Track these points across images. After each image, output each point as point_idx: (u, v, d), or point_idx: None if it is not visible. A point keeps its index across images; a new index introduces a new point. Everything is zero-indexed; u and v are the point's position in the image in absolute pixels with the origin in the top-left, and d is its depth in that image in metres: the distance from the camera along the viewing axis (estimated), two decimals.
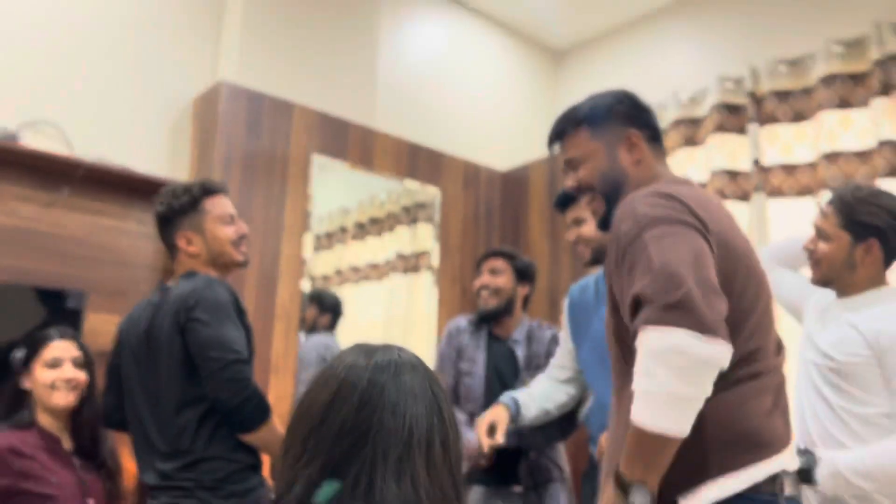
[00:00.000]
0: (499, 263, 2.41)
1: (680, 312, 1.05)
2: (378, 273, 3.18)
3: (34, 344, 1.94)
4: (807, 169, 3.10)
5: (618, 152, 1.40)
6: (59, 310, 2.34)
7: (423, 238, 3.33)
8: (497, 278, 2.39)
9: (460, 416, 2.33)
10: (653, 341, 1.06)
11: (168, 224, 1.83)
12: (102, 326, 2.47)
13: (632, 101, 1.45)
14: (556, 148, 1.50)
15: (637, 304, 1.11)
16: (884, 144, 2.80)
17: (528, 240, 3.37)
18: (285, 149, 2.83)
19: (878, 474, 1.60)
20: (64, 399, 1.91)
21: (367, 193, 3.16)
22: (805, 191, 3.09)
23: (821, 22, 3.17)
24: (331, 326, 2.97)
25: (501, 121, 3.96)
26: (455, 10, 3.81)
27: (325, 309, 2.98)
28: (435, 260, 3.26)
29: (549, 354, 2.38)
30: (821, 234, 1.80)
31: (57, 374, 1.92)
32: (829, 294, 1.90)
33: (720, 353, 1.06)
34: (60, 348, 1.94)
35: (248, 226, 2.69)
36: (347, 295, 3.06)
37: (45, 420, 1.93)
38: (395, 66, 3.49)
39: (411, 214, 3.30)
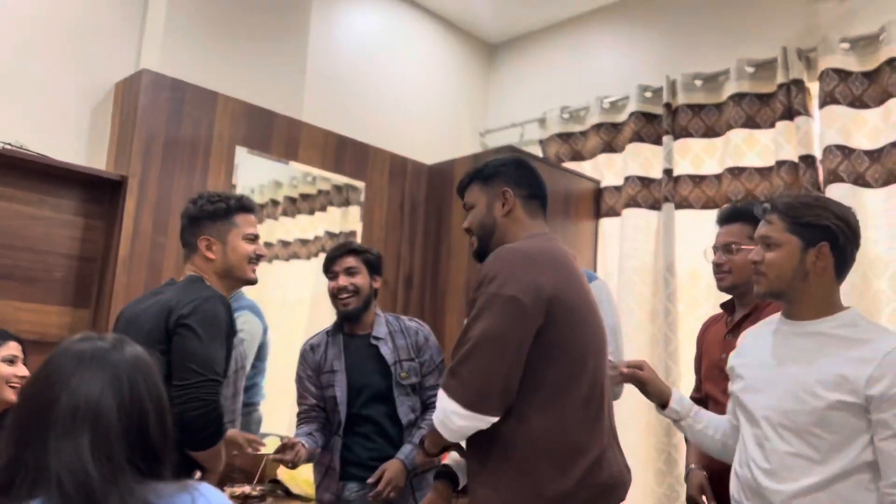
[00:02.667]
0: (352, 261, 2.29)
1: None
2: (307, 251, 3.21)
3: None
4: (713, 181, 3.28)
5: (493, 204, 1.77)
6: None
7: (354, 219, 3.37)
8: (354, 278, 2.27)
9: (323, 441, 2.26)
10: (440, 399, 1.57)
11: (194, 224, 1.89)
12: (11, 314, 2.46)
13: (518, 165, 1.81)
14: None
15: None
16: (782, 164, 2.98)
17: (451, 233, 3.46)
18: (208, 138, 2.83)
19: None
20: (12, 395, 1.98)
21: (299, 173, 3.18)
22: (710, 203, 3.26)
23: (735, 42, 3.32)
24: None
25: (432, 113, 4.02)
26: (388, 0, 3.83)
27: None
28: None
29: (417, 345, 2.33)
30: (766, 241, 1.65)
31: (14, 370, 2.00)
32: (755, 335, 1.75)
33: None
34: (15, 347, 2.04)
35: (169, 215, 2.69)
36: (276, 271, 3.06)
37: None
38: (326, 57, 3.50)
39: (344, 195, 3.33)
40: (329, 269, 2.32)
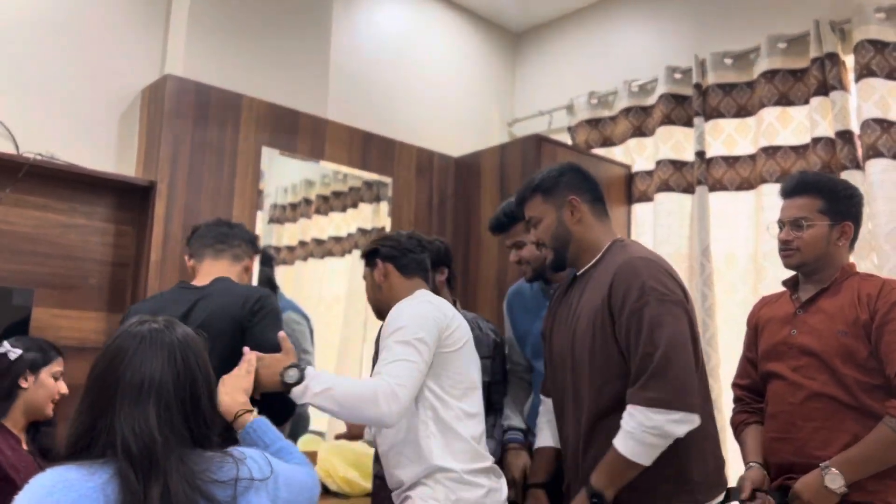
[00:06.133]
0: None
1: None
2: (341, 248, 3.22)
3: (46, 353, 2.09)
4: (747, 162, 3.19)
5: (563, 214, 1.82)
6: (5, 307, 2.37)
7: (384, 215, 3.37)
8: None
9: None
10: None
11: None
12: (50, 321, 2.51)
13: (575, 171, 1.86)
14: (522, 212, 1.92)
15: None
16: (818, 141, 2.89)
17: (479, 226, 3.43)
18: (234, 141, 2.85)
19: None
20: (51, 411, 2.08)
21: (329, 171, 3.19)
22: (745, 184, 3.18)
23: (765, 18, 3.23)
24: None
25: (458, 105, 3.99)
26: None
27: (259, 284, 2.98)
28: None
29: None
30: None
31: (58, 386, 2.09)
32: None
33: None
34: (60, 364, 2.12)
35: (199, 219, 2.72)
36: (312, 269, 3.08)
37: (15, 420, 2.01)
38: (349, 54, 3.49)
39: (374, 191, 3.33)
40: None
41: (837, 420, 1.78)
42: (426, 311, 1.82)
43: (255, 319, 1.80)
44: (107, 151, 2.78)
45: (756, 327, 2.07)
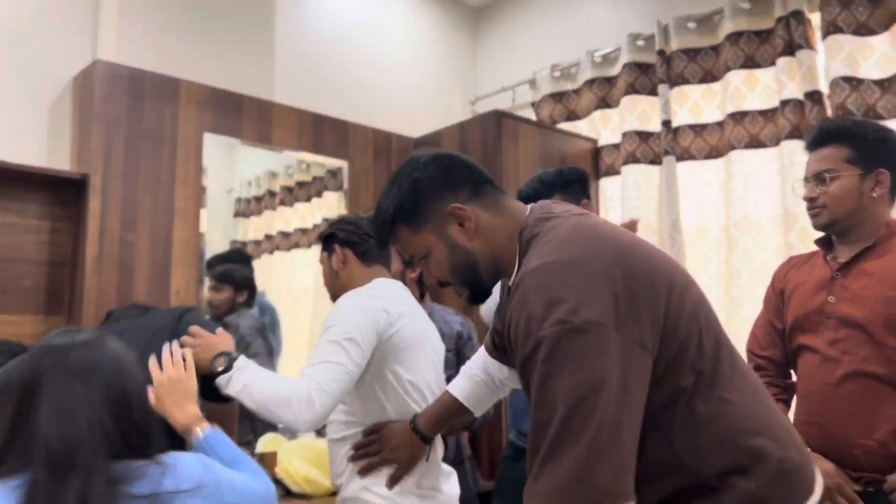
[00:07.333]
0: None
1: None
2: (308, 239, 3.12)
3: None
4: (714, 129, 3.08)
5: (449, 233, 1.20)
6: None
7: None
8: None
9: None
10: None
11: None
12: None
13: (431, 166, 1.23)
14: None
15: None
16: (786, 104, 2.78)
17: None
18: (173, 128, 2.69)
19: None
20: None
21: (286, 162, 3.07)
22: (713, 152, 3.07)
23: None
24: (248, 304, 2.88)
25: (416, 84, 3.84)
26: None
27: (240, 286, 2.87)
28: None
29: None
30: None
31: None
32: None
33: None
34: None
35: (137, 212, 2.57)
36: (280, 261, 2.99)
37: None
38: (296, 32, 3.33)
39: (338, 179, 3.22)
40: None
41: (882, 403, 1.54)
42: (367, 306, 1.70)
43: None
44: (38, 145, 2.61)
45: (782, 293, 1.82)
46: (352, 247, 1.87)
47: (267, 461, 2.62)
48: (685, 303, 1.07)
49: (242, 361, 1.56)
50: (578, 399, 0.94)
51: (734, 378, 1.08)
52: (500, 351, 1.57)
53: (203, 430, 1.38)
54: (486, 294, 1.24)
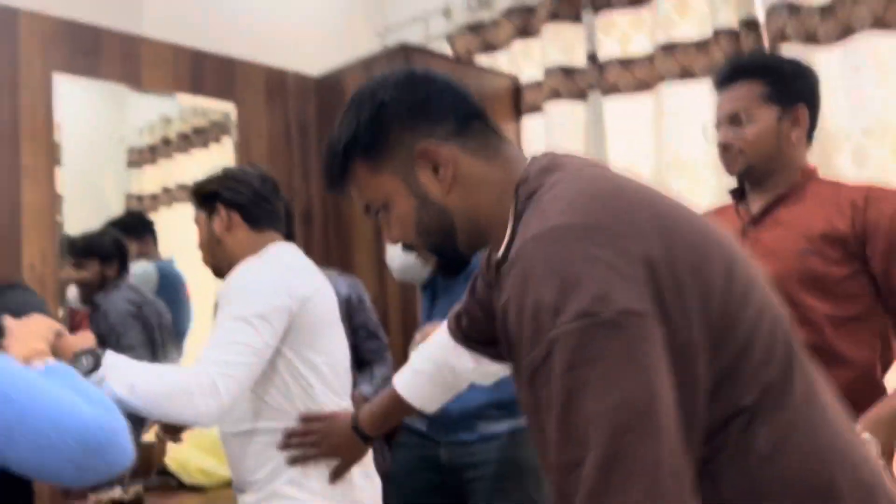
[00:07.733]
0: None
1: None
2: None
3: None
4: (643, 63, 2.83)
5: (418, 180, 0.91)
6: None
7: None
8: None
9: None
10: None
11: None
12: None
13: (403, 86, 0.94)
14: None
15: None
16: (720, 34, 2.55)
17: None
18: (13, 69, 2.24)
19: None
20: None
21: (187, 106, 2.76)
22: (641, 86, 2.83)
23: None
24: (120, 275, 2.50)
25: (314, 13, 3.41)
26: None
27: (107, 257, 2.48)
28: None
29: None
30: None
31: None
32: None
33: None
34: None
35: None
36: (178, 215, 2.66)
37: None
38: None
39: (226, 126, 2.90)
40: None
41: None
42: (275, 276, 1.52)
43: None
44: None
45: None
46: (240, 210, 1.62)
47: (155, 452, 2.32)
48: (750, 292, 0.78)
49: (112, 358, 1.31)
50: (621, 427, 0.66)
51: (810, 397, 0.79)
52: (475, 340, 1.26)
53: (45, 363, 1.15)
54: (462, 265, 1.07)
